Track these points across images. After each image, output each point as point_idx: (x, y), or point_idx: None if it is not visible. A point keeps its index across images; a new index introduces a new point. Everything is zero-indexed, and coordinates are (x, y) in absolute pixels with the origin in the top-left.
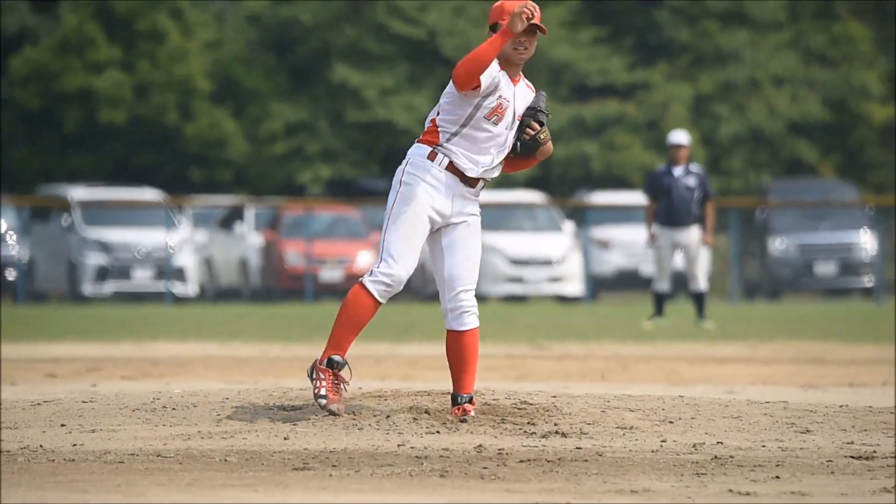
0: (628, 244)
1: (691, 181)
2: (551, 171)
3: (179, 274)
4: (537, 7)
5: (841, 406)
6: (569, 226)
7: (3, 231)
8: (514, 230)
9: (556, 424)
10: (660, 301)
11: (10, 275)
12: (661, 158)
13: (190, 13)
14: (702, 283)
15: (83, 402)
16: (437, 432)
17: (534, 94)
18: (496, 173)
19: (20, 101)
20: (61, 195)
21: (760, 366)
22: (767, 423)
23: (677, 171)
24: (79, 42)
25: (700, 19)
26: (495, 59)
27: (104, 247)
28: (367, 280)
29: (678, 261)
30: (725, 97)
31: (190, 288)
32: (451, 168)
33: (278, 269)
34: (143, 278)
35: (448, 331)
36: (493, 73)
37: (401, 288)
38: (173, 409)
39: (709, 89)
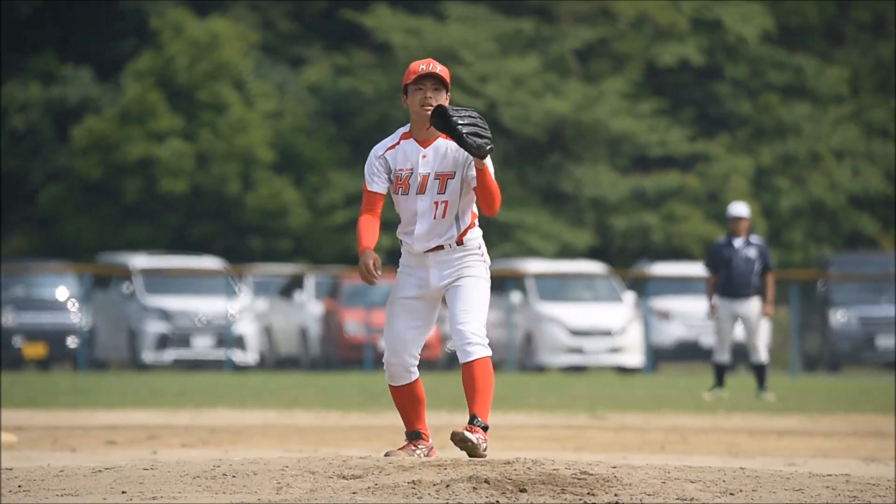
0: (688, 315)
1: (751, 253)
2: (611, 241)
3: (239, 342)
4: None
5: None
6: (629, 296)
7: (65, 299)
8: (574, 301)
9: (616, 495)
10: (720, 372)
11: (72, 342)
12: (722, 230)
13: (252, 84)
14: (762, 354)
15: (144, 469)
16: (497, 502)
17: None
18: (444, 238)
19: (81, 171)
20: (122, 263)
21: (821, 439)
22: (829, 496)
23: (737, 242)
24: (140, 112)
25: (761, 92)
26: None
27: (165, 315)
28: None
29: (738, 332)
30: (786, 170)
31: (250, 356)
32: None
33: (337, 337)
34: (203, 346)
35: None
36: (372, 161)
37: (399, 363)
38: (233, 476)
39: (769, 162)
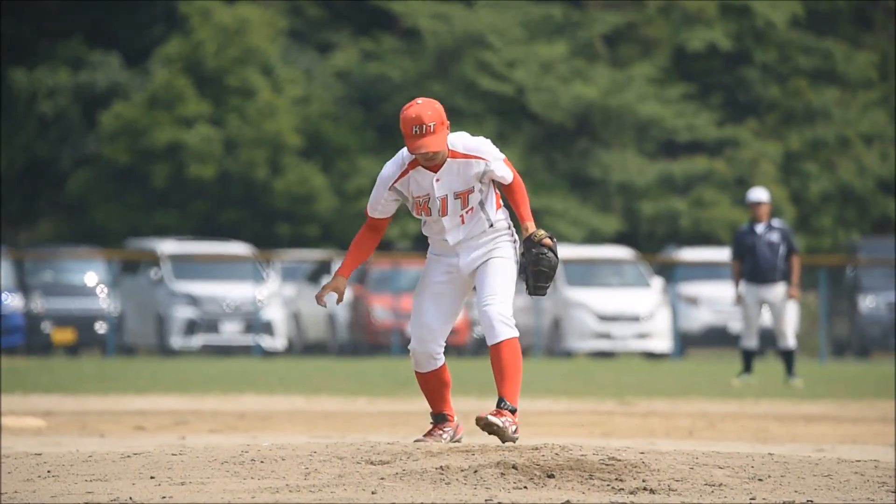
0: (716, 300)
1: (774, 237)
2: (639, 227)
3: (267, 328)
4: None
5: None
6: (657, 282)
7: (93, 284)
8: (602, 286)
9: (644, 481)
10: (748, 358)
11: (101, 328)
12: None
13: (280, 69)
14: (790, 340)
15: (172, 454)
16: (525, 487)
17: (468, 160)
18: (476, 232)
19: (109, 157)
20: (150, 249)
21: (849, 425)
22: (858, 481)
23: (759, 228)
24: (169, 97)
25: (789, 77)
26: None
27: (193, 300)
28: None
29: (766, 318)
30: (815, 155)
31: (278, 342)
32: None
33: (365, 323)
34: (231, 332)
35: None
36: (381, 192)
37: (424, 351)
38: (261, 462)
39: (798, 147)
